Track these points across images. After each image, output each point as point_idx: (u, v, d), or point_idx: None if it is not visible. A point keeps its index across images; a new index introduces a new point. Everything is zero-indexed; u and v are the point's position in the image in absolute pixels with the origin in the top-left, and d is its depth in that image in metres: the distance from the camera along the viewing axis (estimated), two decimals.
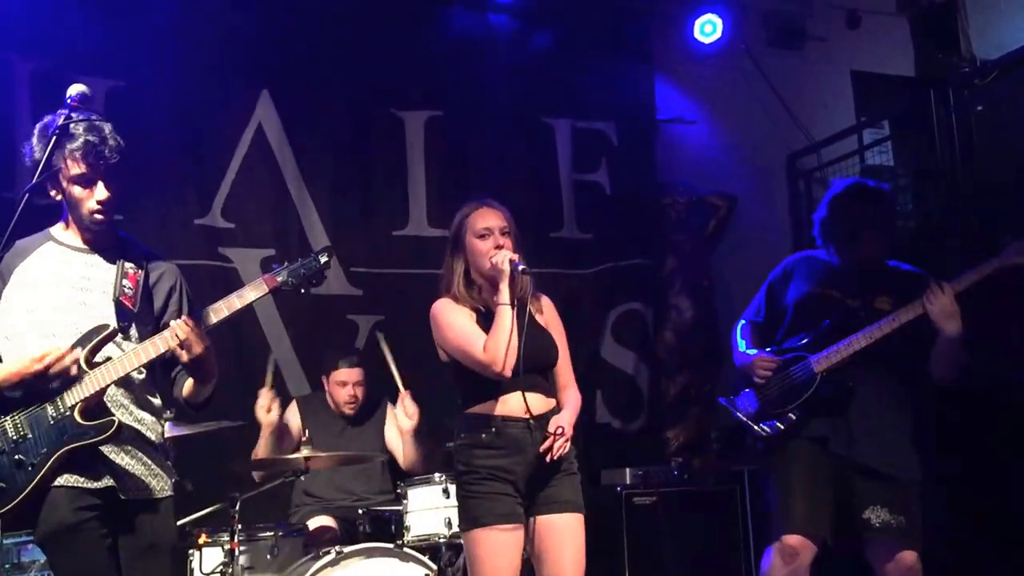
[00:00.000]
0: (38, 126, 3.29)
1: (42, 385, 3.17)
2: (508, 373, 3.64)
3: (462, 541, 3.85)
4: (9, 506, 3.13)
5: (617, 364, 6.73)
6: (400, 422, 5.27)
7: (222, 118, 6.09)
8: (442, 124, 6.56)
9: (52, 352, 3.15)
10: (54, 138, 3.18)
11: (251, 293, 3.33)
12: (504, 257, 3.70)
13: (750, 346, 4.50)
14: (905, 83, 7.64)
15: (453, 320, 3.80)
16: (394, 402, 5.35)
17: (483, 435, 3.71)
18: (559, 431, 3.70)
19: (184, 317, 3.25)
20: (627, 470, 5.81)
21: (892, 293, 4.28)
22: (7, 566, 4.43)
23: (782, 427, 4.19)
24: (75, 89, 3.23)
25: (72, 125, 3.21)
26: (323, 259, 3.37)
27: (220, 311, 3.30)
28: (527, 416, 3.69)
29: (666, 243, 7.02)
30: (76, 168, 3.23)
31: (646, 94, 7.16)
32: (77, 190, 3.27)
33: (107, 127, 3.29)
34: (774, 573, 4.07)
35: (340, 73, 6.35)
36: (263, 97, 6.17)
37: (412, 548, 4.60)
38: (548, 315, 3.98)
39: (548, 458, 3.67)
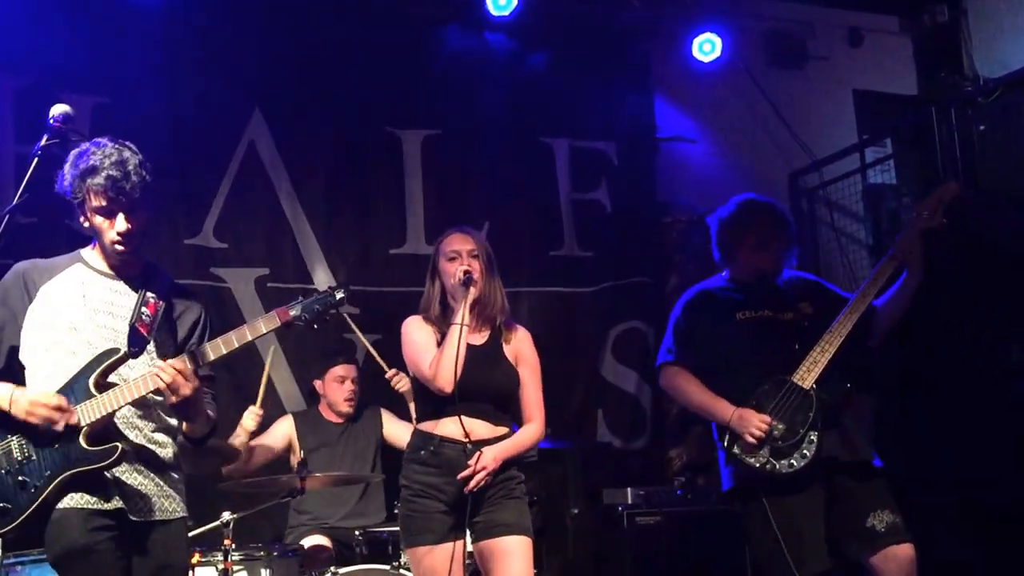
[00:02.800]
0: (72, 155, 3.25)
1: (24, 421, 3.13)
2: (448, 390, 3.74)
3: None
4: (11, 527, 3.14)
5: (618, 383, 6.64)
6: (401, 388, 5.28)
7: (213, 136, 6.03)
8: (440, 143, 6.51)
9: (52, 401, 3.12)
10: (35, 159, 3.17)
11: (263, 326, 3.28)
12: (459, 270, 3.87)
13: (715, 394, 4.22)
14: (907, 102, 7.63)
15: (413, 335, 3.99)
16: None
17: (422, 452, 3.85)
18: (478, 461, 3.74)
19: (174, 359, 3.20)
20: (628, 490, 5.74)
21: (804, 298, 4.31)
22: None
23: (809, 454, 4.00)
24: (57, 109, 3.22)
25: (98, 156, 3.18)
26: (339, 295, 3.36)
27: (230, 342, 3.26)
28: (465, 440, 3.79)
29: (668, 262, 6.96)
30: (97, 201, 3.23)
31: (646, 113, 7.12)
32: (99, 220, 3.27)
33: (133, 161, 3.23)
34: None
35: (336, 91, 6.30)
36: (255, 115, 6.11)
37: (409, 571, 4.52)
38: (520, 347, 4.06)
39: (466, 488, 3.73)
